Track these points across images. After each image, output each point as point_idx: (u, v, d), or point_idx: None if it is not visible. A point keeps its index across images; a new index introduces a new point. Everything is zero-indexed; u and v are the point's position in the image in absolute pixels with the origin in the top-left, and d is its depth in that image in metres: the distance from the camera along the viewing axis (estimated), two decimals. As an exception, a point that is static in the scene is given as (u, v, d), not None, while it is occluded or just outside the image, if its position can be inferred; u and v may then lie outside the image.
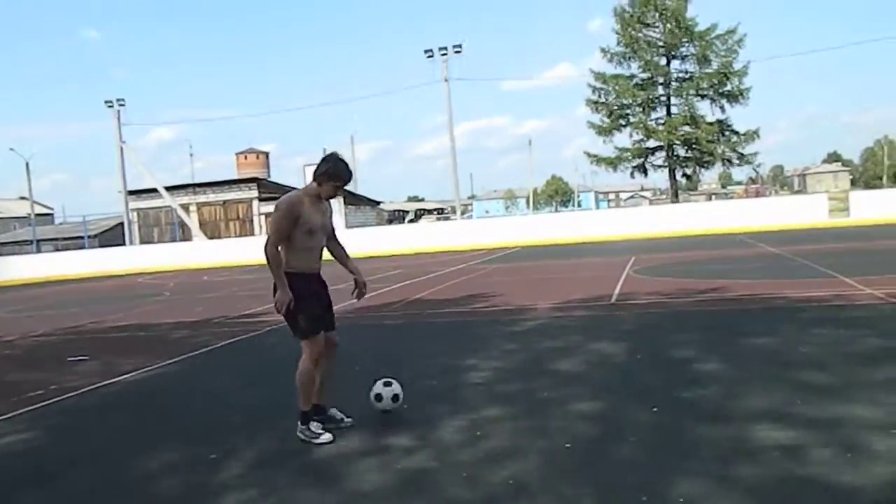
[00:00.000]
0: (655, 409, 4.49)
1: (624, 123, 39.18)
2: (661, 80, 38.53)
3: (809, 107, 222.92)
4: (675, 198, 40.99)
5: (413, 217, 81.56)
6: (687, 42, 37.65)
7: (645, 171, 40.32)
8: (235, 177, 52.21)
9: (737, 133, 38.24)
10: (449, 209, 73.91)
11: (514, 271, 16.62)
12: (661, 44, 37.98)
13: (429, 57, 35.96)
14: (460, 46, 35.75)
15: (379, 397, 4.70)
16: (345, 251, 4.83)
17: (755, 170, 55.71)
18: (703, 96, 38.04)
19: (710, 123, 37.67)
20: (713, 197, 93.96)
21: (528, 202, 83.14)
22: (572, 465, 3.68)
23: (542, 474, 3.57)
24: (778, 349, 6.01)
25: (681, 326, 7.59)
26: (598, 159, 40.08)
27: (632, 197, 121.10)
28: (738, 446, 3.71)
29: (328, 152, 4.65)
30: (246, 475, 3.92)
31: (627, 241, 24.20)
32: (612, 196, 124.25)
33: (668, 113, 38.62)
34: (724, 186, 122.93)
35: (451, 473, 3.67)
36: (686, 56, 38.24)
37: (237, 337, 9.05)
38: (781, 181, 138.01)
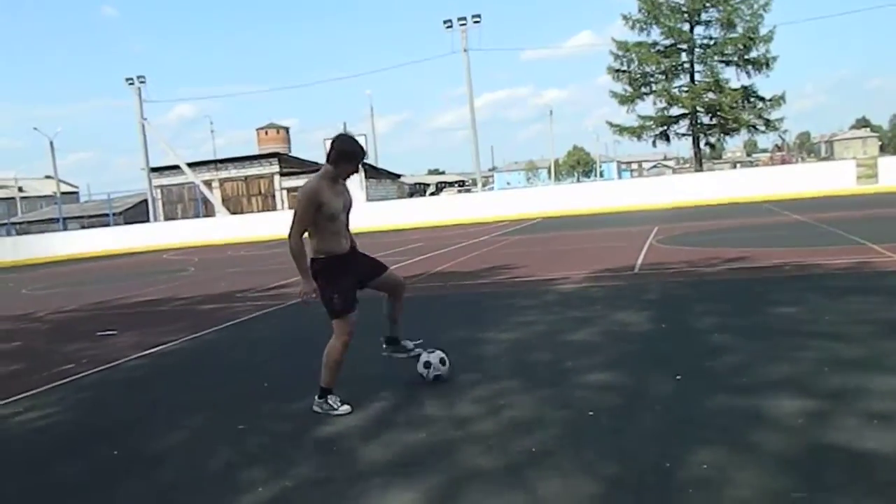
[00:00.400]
0: (679, 378, 4.48)
1: (647, 91, 38.69)
2: (684, 46, 37.88)
3: (837, 71, 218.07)
4: (699, 166, 40.47)
5: (434, 190, 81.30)
6: (711, 6, 36.91)
7: (668, 139, 39.89)
8: (256, 152, 52.37)
9: (762, 99, 37.58)
10: (470, 181, 73.64)
11: (536, 242, 16.57)
12: (684, 9, 37.24)
13: (447, 27, 35.60)
14: (479, 17, 35.38)
15: (428, 364, 4.85)
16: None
17: (781, 136, 54.83)
18: (727, 62, 37.40)
19: (735, 90, 37.03)
20: (738, 165, 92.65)
21: (549, 173, 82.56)
22: (595, 434, 3.69)
23: (566, 443, 3.58)
24: (804, 318, 5.95)
25: (705, 296, 7.53)
26: (620, 129, 39.66)
27: (655, 167, 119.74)
28: (762, 413, 3.69)
29: (343, 130, 4.74)
30: (272, 446, 3.99)
31: (650, 211, 23.99)
32: (634, 166, 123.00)
33: (692, 80, 38.02)
34: (749, 154, 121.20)
35: (475, 443, 3.69)
36: (710, 21, 37.53)
37: (263, 310, 9.15)
38: (808, 148, 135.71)
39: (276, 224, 32.68)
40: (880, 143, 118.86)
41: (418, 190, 77.02)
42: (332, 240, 4.46)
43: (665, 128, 39.24)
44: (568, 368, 4.99)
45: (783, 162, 75.26)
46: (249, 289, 11.80)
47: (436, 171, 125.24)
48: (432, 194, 67.57)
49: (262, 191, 45.69)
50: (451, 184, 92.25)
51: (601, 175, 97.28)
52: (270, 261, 17.80)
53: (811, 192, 24.97)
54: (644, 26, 37.99)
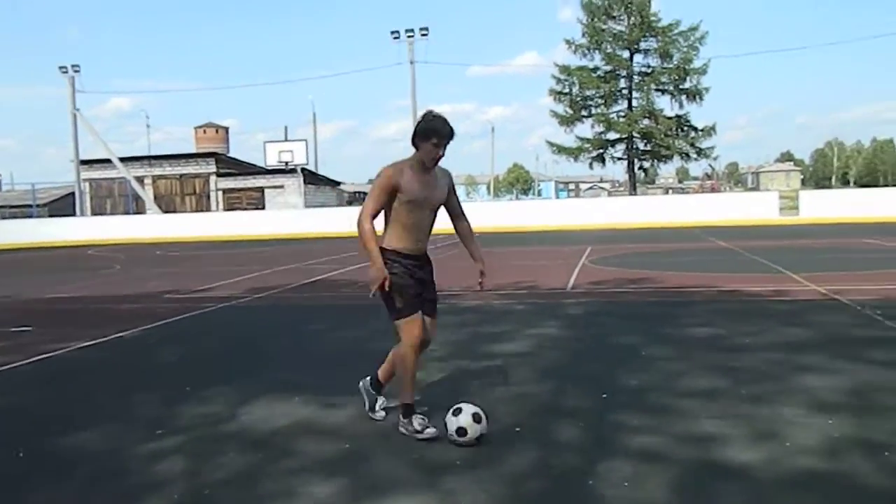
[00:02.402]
0: (605, 396, 4.57)
1: (586, 115, 39.64)
2: (623, 73, 38.99)
3: (766, 106, 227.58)
4: (633, 190, 41.54)
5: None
6: (650, 37, 38.13)
7: (604, 162, 40.87)
8: (193, 151, 51.16)
9: (694, 128, 38.96)
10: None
11: (464, 256, 16.65)
12: (624, 37, 38.35)
13: (395, 38, 35.66)
14: (427, 30, 35.56)
15: (463, 431, 3.72)
16: (470, 231, 4.36)
17: (711, 165, 56.76)
18: (663, 91, 38.62)
19: (669, 118, 38.29)
20: (670, 191, 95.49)
21: (488, 189, 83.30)
22: (521, 447, 3.72)
23: (491, 455, 3.60)
24: (719, 338, 6.16)
25: (630, 315, 7.72)
26: (559, 149, 40.47)
27: (591, 188, 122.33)
28: (676, 432, 3.80)
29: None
30: (191, 449, 3.88)
31: (586, 231, 24.45)
32: (571, 186, 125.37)
33: (630, 106, 39.12)
34: (680, 181, 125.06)
35: (401, 454, 3.68)
36: (648, 51, 38.78)
37: (187, 313, 8.90)
38: (736, 178, 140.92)
39: (209, 225, 32.08)
40: (802, 176, 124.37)
41: (358, 199, 76.64)
42: (404, 233, 3.94)
43: (602, 150, 40.21)
44: (492, 382, 5.03)
45: (712, 190, 78.09)
46: (174, 290, 11.48)
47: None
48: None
49: (197, 190, 44.58)
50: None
51: (539, 193, 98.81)
52: (201, 262, 17.38)
53: (737, 221, 25.92)
54: (586, 52, 38.98)
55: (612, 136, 39.71)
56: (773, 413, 4.07)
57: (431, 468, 3.47)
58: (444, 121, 3.90)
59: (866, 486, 3.07)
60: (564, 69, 38.97)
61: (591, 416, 4.20)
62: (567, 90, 39.33)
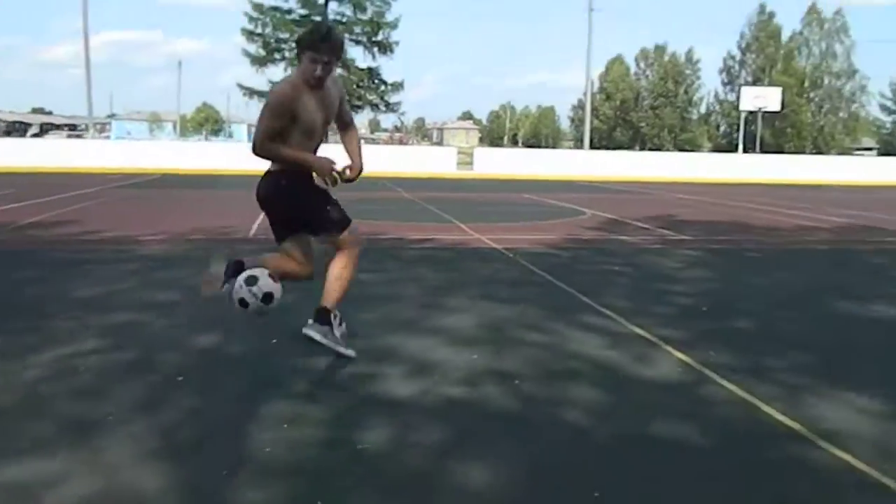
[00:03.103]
0: (274, 341, 4.66)
1: (279, 57, 38.76)
2: (317, 18, 38.71)
3: (450, 67, 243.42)
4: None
5: (38, 131, 71.30)
6: (345, -16, 38.33)
7: (297, 108, 40.51)
8: None
9: (384, 82, 40.33)
10: (83, 126, 65.90)
11: (147, 199, 15.62)
12: (320, -18, 38.07)
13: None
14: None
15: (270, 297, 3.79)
16: (357, 140, 4.23)
17: (400, 119, 59.36)
18: (356, 42, 39.23)
19: (361, 69, 39.13)
20: (361, 140, 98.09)
21: (175, 127, 77.89)
22: (182, 398, 3.66)
23: (147, 407, 3.49)
24: (381, 283, 6.61)
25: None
26: (251, 92, 39.16)
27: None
28: (343, 373, 4.05)
29: None
30: None
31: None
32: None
33: (324, 53, 39.11)
34: (372, 132, 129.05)
35: (43, 411, 3.40)
36: (343, 0, 38.94)
37: None
38: (423, 132, 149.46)
39: None
40: (480, 135, 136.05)
41: (18, 129, 66.89)
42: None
43: (296, 96, 39.80)
44: (154, 330, 4.85)
45: (401, 142, 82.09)
46: None
47: (41, 111, 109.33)
48: (35, 136, 59.22)
49: None
50: (59, 127, 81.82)
51: (231, 136, 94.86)
52: None
53: (421, 173, 27.65)
54: (282, -7, 37.94)
55: (305, 81, 39.44)
56: (428, 350, 4.51)
57: (79, 425, 3.25)
58: (329, 33, 3.62)
59: (496, 411, 3.58)
60: (258, 7, 37.61)
61: (259, 363, 4.28)
62: (260, 30, 38.06)
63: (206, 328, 4.92)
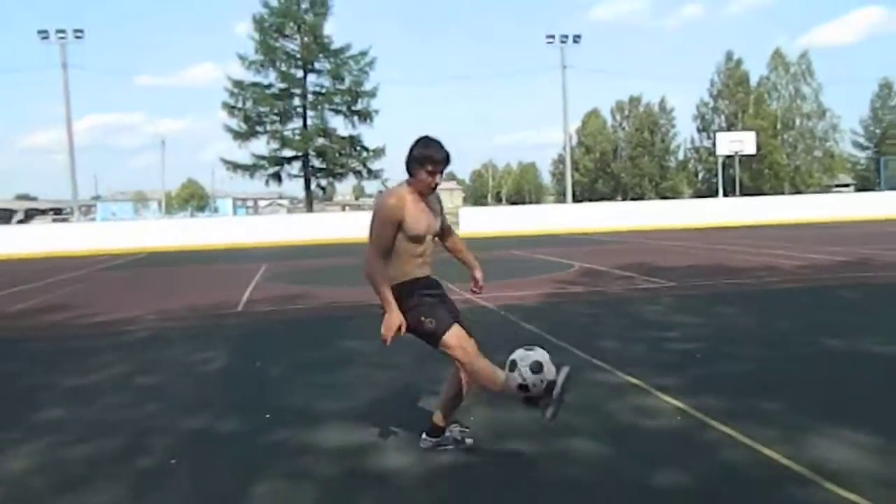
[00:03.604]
0: (268, 416, 4.60)
1: (261, 131, 39.24)
2: (297, 91, 39.41)
3: (431, 129, 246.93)
4: (309, 207, 42.14)
5: (23, 217, 71.42)
6: (322, 58, 39.11)
7: (280, 180, 40.84)
8: None
9: (366, 149, 40.79)
10: (68, 210, 66.04)
11: (137, 278, 15.54)
12: (297, 56, 38.84)
13: (43, 38, 31.93)
14: (82, 31, 32.49)
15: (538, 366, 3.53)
16: (462, 243, 4.18)
17: (383, 184, 59.89)
18: (336, 111, 39.85)
19: (343, 137, 39.63)
20: (346, 208, 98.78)
21: (160, 205, 78.24)
22: (176, 482, 3.59)
23: (149, 490, 3.42)
24: (374, 351, 6.55)
25: (298, 331, 7.88)
26: (234, 166, 39.49)
27: (270, 204, 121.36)
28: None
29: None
30: None
31: (263, 248, 24.25)
32: (250, 203, 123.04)
33: (304, 125, 39.66)
34: (357, 198, 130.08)
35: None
36: (321, 71, 39.69)
37: None
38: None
39: None
40: (464, 195, 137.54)
41: (2, 216, 66.93)
42: (408, 264, 3.72)
43: (279, 168, 40.15)
44: (147, 414, 4.78)
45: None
46: None
47: (26, 196, 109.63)
48: (20, 222, 59.30)
49: None
50: (44, 211, 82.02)
51: (216, 210, 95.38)
52: None
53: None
54: (260, 68, 38.65)
55: (287, 153, 39.85)
56: (423, 418, 4.47)
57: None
58: (440, 145, 3.72)
59: (495, 472, 3.53)
60: (238, 84, 38.23)
61: (247, 437, 4.22)
62: (241, 105, 38.63)
63: (196, 409, 4.87)
